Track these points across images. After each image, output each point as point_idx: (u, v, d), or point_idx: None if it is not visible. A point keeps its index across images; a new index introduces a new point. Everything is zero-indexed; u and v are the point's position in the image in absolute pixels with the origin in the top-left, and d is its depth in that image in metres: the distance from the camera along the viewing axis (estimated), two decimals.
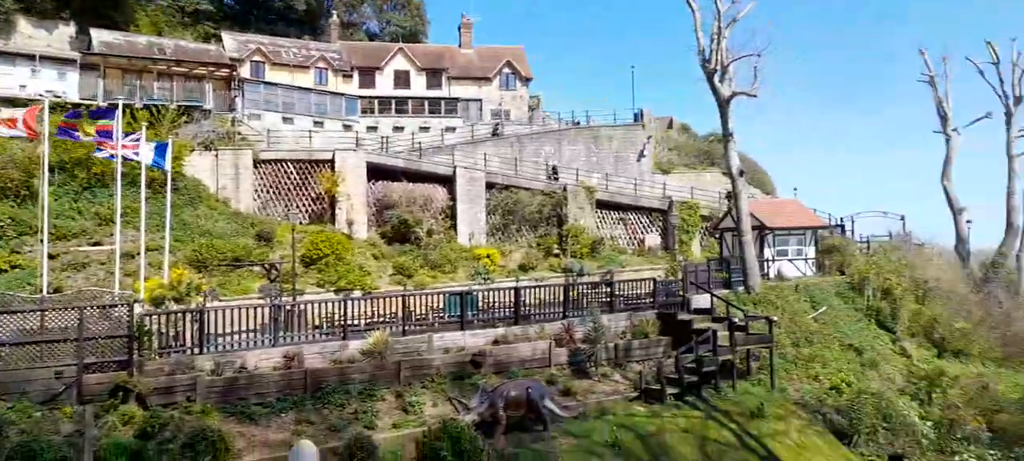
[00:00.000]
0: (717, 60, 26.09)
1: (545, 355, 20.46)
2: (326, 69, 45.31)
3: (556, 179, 35.06)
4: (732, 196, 26.16)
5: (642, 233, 35.51)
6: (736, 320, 21.19)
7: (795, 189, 37.09)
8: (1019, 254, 35.66)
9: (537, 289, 23.03)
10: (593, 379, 20.34)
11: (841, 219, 35.80)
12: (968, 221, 36.91)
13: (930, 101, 38.39)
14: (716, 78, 26.08)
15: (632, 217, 35.41)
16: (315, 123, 41.51)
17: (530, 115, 47.37)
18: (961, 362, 25.82)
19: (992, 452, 19.89)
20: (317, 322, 20.18)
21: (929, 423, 20.60)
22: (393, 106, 45.62)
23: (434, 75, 47.80)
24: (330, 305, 20.59)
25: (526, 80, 48.83)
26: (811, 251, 29.89)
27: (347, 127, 42.54)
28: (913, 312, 27.31)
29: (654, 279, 24.60)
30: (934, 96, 38.18)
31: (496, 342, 20.63)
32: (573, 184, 34.67)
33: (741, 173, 25.46)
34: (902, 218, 36.97)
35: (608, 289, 23.79)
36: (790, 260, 29.18)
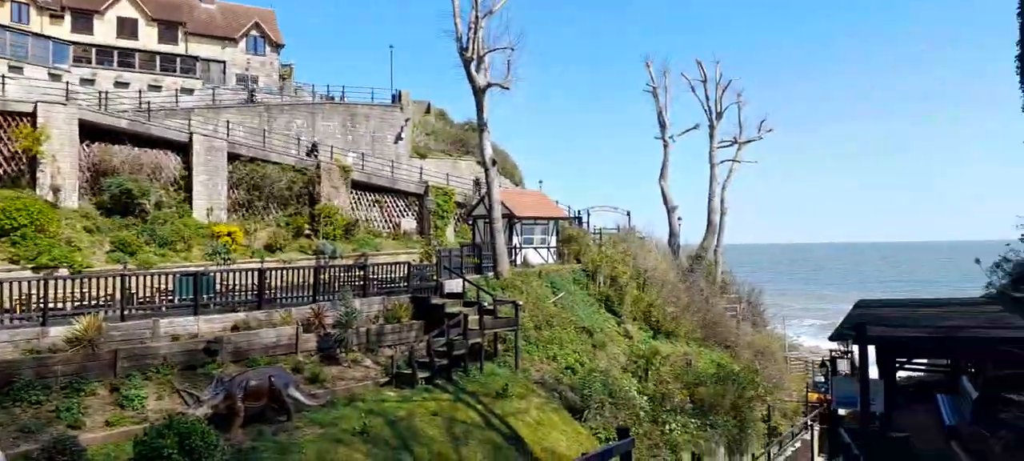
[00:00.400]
0: (474, 49, 26.58)
1: (292, 341, 19.22)
2: (28, 4, 37.96)
3: (315, 156, 33.24)
4: (485, 184, 26.94)
5: (398, 217, 35.21)
6: (486, 304, 21.83)
7: (541, 181, 39.67)
8: (716, 249, 41.92)
9: (284, 271, 21.57)
10: (343, 365, 19.63)
11: (579, 212, 38.96)
12: (679, 218, 42.49)
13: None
14: (472, 67, 26.57)
15: (388, 200, 34.92)
16: (11, 67, 34.59)
17: (281, 85, 44.45)
18: (671, 342, 29.52)
19: (693, 420, 23.01)
20: (7, 305, 16.73)
21: (645, 397, 23.18)
22: (116, 58, 39.80)
23: (168, 28, 42.62)
24: (26, 285, 17.19)
25: (277, 46, 45.71)
26: (553, 240, 32.02)
27: (55, 76, 36.13)
28: (635, 298, 30.59)
29: (409, 263, 24.44)
30: (656, 106, 43.26)
31: (236, 328, 18.92)
32: (327, 162, 33.17)
33: (494, 163, 26.33)
34: (628, 213, 41.37)
35: (362, 272, 23.09)
36: (535, 248, 30.96)
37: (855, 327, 9.18)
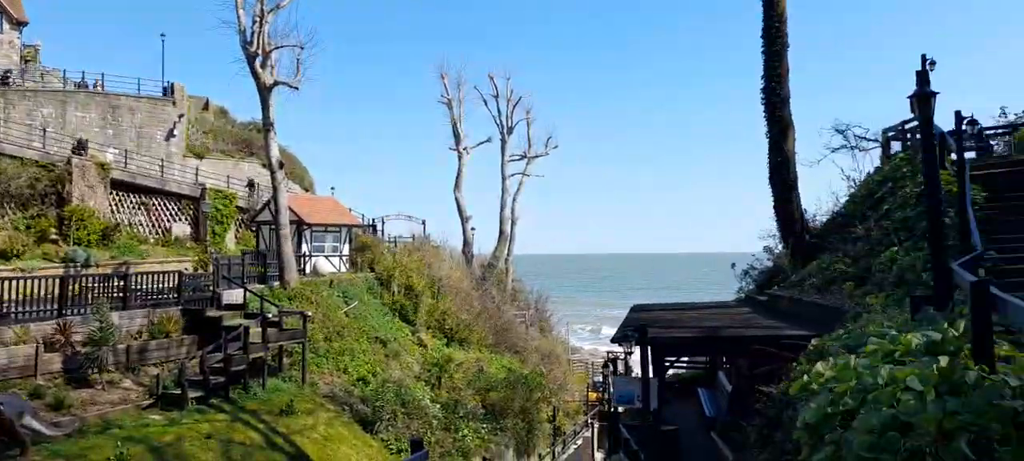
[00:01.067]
0: (259, 44, 24.83)
1: (29, 362, 16.40)
2: None
3: (82, 153, 28.66)
4: (272, 188, 25.19)
5: (169, 221, 31.75)
6: (270, 316, 20.38)
7: (333, 188, 38.16)
8: (507, 258, 43.30)
9: (21, 281, 18.37)
10: (97, 388, 17.20)
11: (373, 220, 38.12)
12: (473, 228, 43.32)
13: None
14: (257, 63, 24.80)
15: (157, 203, 31.35)
16: None
17: (24, 67, 38.19)
18: (465, 349, 29.81)
19: (485, 425, 23.35)
20: None
21: (438, 405, 23.09)
22: None
23: None
24: None
25: (18, 24, 39.24)
26: (346, 248, 30.91)
27: None
28: (429, 306, 30.49)
29: (179, 272, 22.05)
30: (451, 117, 43.81)
31: None
32: (82, 158, 28.99)
33: (281, 166, 24.72)
34: (423, 223, 41.32)
35: (122, 283, 20.40)
36: (326, 256, 29.64)
37: (638, 328, 9.82)
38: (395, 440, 20.02)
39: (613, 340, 14.76)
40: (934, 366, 4.17)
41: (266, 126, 24.36)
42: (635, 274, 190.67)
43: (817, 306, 12.92)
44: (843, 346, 6.42)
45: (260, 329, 19.91)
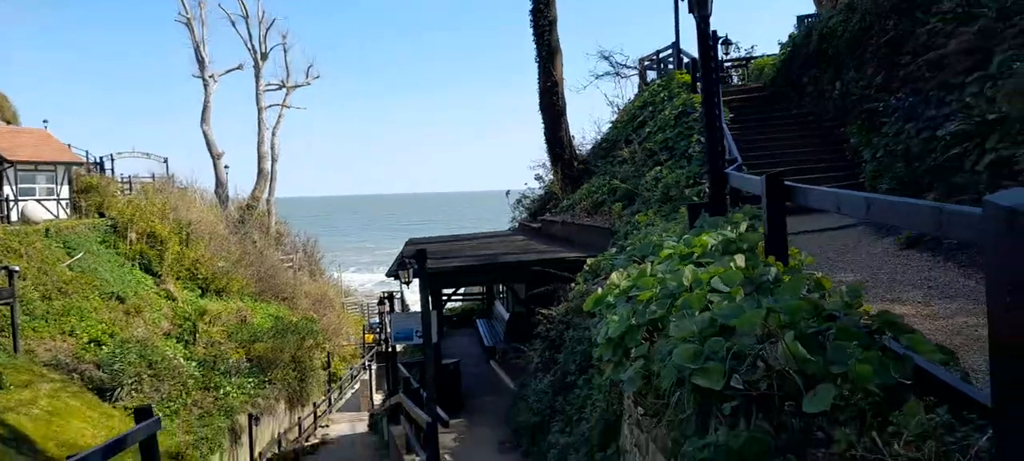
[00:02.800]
0: None
1: None
2: None
3: None
4: None
5: None
6: None
7: (45, 121, 31.83)
8: (269, 199, 40.09)
9: None
10: None
11: (101, 157, 32.78)
12: (226, 166, 39.30)
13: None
14: None
15: None
16: None
17: None
18: (223, 299, 27.06)
19: (251, 379, 21.47)
20: None
21: (194, 363, 20.73)
22: None
23: None
24: None
25: None
26: (65, 191, 26.14)
27: None
28: (177, 254, 27.06)
29: None
30: (191, 39, 38.76)
31: None
32: None
33: None
34: (165, 161, 36.45)
35: None
36: (39, 200, 24.78)
37: (415, 256, 9.07)
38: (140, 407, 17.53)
39: (389, 273, 13.90)
40: (733, 264, 3.95)
41: None
42: (410, 213, 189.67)
43: (589, 228, 13.25)
44: (629, 258, 6.26)
45: None
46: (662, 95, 16.19)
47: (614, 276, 4.85)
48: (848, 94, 12.25)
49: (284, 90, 42.66)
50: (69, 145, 29.35)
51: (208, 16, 39.46)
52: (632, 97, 19.96)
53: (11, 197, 23.77)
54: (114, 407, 17.09)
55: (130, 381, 17.71)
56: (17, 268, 18.27)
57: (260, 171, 40.16)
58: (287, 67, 43.48)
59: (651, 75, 19.55)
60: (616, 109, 20.03)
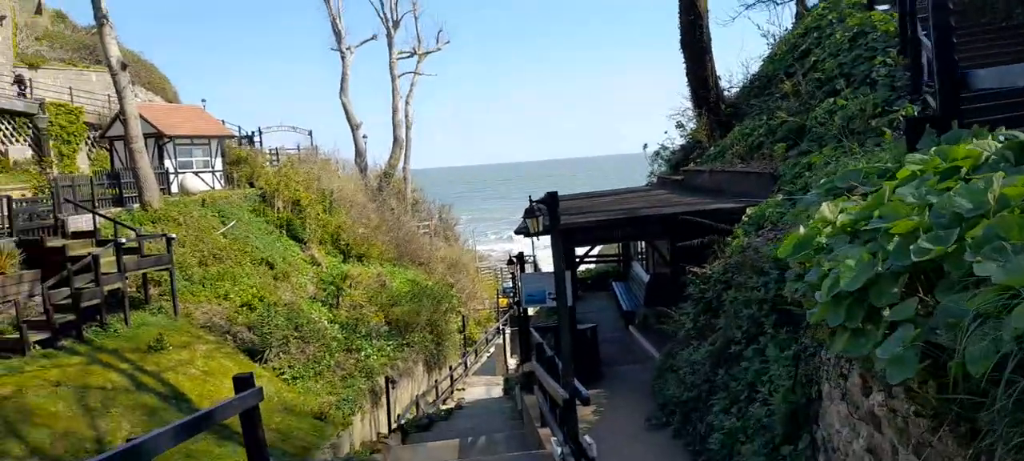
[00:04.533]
0: None
1: None
2: None
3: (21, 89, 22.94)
4: (117, 95, 21.51)
5: (3, 144, 27.24)
6: (124, 241, 17.49)
7: (203, 100, 33.95)
8: (404, 166, 40.76)
9: None
10: None
11: (251, 132, 34.55)
12: (364, 136, 40.28)
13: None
14: None
15: None
16: None
17: None
18: (363, 264, 27.68)
19: (390, 342, 21.67)
20: None
21: (338, 325, 21.18)
22: None
23: None
24: None
25: None
26: (219, 163, 27.61)
27: None
28: (321, 221, 27.97)
29: (8, 197, 18.55)
30: (328, 12, 39.74)
31: None
32: None
33: (124, 66, 20.91)
34: (310, 133, 37.92)
35: None
36: (196, 172, 26.30)
37: (546, 200, 8.11)
38: (288, 368, 18.08)
39: (518, 231, 12.98)
40: None
41: (99, 19, 20.37)
42: (545, 181, 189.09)
43: (743, 175, 11.68)
44: (825, 196, 4.92)
45: (114, 257, 17.04)
46: (829, 17, 14.01)
47: (825, 209, 3.59)
48: None
49: (416, 57, 43.02)
50: (222, 120, 31.02)
51: None
52: (788, 27, 17.72)
53: (171, 170, 25.37)
54: (263, 367, 17.67)
55: (278, 343, 18.24)
56: (174, 236, 19.31)
57: (395, 139, 40.88)
58: (418, 34, 43.82)
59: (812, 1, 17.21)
60: (772, 41, 17.83)
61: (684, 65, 16.44)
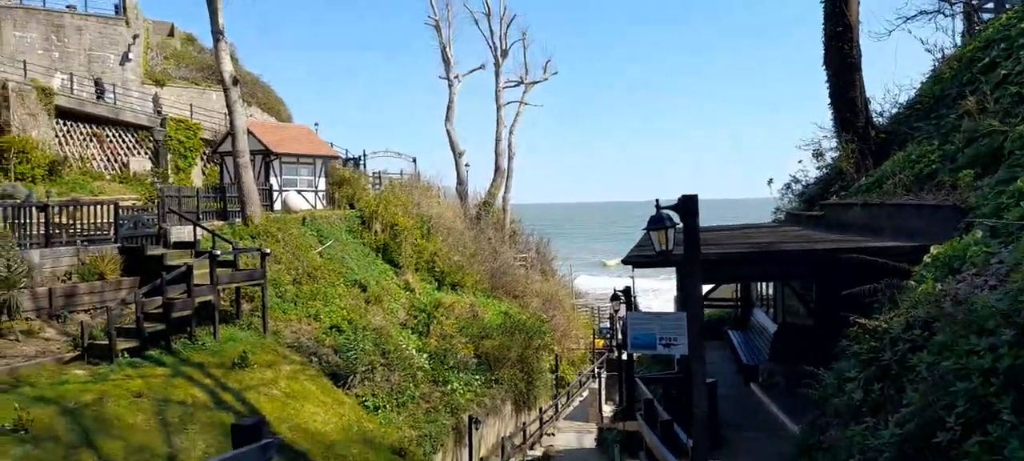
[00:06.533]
0: None
1: None
2: None
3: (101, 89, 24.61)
4: (227, 111, 21.73)
5: (126, 155, 28.47)
6: (218, 253, 17.20)
7: (317, 123, 34.61)
8: (505, 196, 39.92)
9: None
10: (9, 338, 14.24)
11: (357, 156, 34.79)
12: (466, 164, 39.87)
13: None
14: None
15: (112, 134, 28.01)
16: None
17: None
18: (457, 293, 26.76)
19: (478, 377, 20.38)
20: None
21: (425, 355, 20.17)
22: None
23: None
24: None
25: None
26: (322, 182, 27.62)
27: None
28: (418, 247, 27.36)
29: (116, 204, 18.83)
30: (439, 41, 39.85)
31: None
32: (20, 81, 25.60)
33: (236, 82, 21.12)
34: (414, 160, 37.92)
35: (41, 215, 17.23)
36: (299, 191, 26.38)
37: (679, 206, 6.52)
38: (371, 396, 17.16)
39: (626, 261, 11.19)
40: None
41: (215, 34, 20.72)
42: (640, 220, 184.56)
43: (916, 208, 9.60)
44: None
45: (207, 269, 16.75)
46: (1021, 25, 11.75)
47: None
48: None
49: (522, 86, 42.46)
50: (330, 143, 31.31)
51: (454, 17, 40.51)
52: (959, 42, 15.29)
53: (276, 187, 25.51)
54: (346, 394, 16.84)
55: (363, 369, 17.41)
56: (270, 251, 18.96)
57: (497, 168, 40.25)
58: (525, 64, 43.31)
59: (986, 14, 14.77)
60: (939, 56, 15.38)
61: (826, 85, 14.42)
